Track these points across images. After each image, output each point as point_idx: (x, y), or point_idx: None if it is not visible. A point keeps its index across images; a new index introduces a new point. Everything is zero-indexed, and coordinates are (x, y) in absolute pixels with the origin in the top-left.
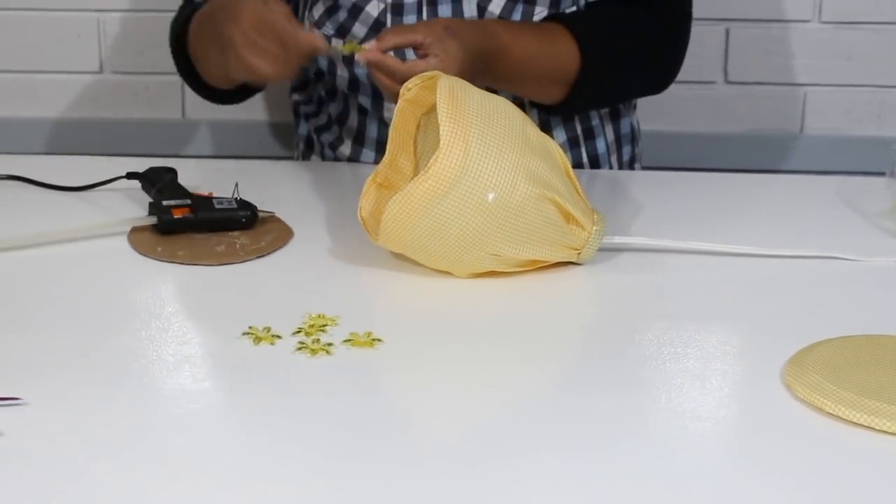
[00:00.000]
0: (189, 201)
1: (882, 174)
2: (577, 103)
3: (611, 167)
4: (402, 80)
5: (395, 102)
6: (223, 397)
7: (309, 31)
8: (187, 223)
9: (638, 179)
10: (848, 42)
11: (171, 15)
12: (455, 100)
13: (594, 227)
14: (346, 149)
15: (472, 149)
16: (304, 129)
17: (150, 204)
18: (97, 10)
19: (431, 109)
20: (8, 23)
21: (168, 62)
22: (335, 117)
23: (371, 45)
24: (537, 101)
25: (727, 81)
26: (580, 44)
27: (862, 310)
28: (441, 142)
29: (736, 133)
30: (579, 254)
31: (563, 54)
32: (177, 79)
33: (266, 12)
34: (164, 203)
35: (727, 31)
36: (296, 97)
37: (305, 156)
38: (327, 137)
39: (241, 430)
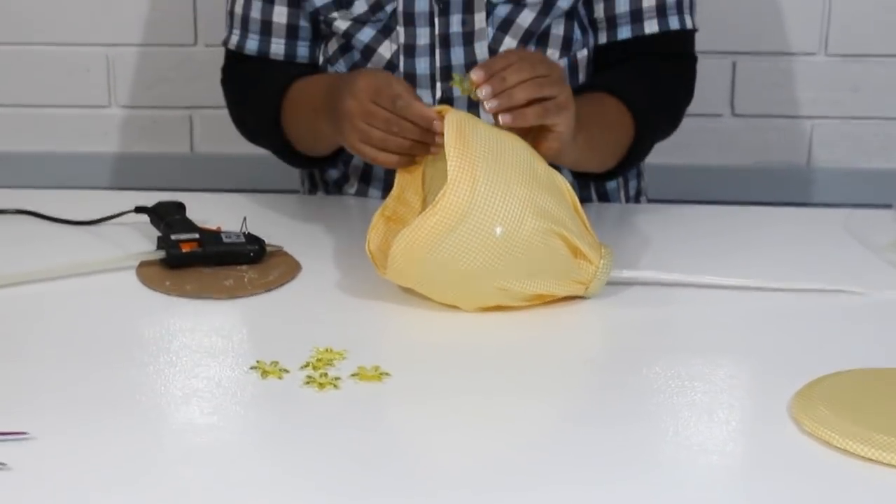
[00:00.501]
0: (197, 235)
1: (889, 206)
2: (622, 171)
3: (619, 202)
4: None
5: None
6: (231, 431)
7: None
8: (196, 257)
9: (645, 212)
10: (854, 75)
11: (180, 49)
12: (462, 134)
13: (602, 262)
14: (351, 188)
15: (479, 183)
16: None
17: (159, 238)
18: (106, 45)
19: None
20: (17, 57)
21: (176, 96)
22: (341, 157)
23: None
24: (588, 170)
25: (734, 114)
26: (636, 119)
27: (870, 343)
28: (448, 177)
29: (743, 165)
30: (587, 288)
31: (621, 127)
32: (185, 112)
33: (384, 84)
34: (173, 237)
35: (734, 64)
36: None
37: (311, 193)
38: (332, 175)
39: (249, 463)
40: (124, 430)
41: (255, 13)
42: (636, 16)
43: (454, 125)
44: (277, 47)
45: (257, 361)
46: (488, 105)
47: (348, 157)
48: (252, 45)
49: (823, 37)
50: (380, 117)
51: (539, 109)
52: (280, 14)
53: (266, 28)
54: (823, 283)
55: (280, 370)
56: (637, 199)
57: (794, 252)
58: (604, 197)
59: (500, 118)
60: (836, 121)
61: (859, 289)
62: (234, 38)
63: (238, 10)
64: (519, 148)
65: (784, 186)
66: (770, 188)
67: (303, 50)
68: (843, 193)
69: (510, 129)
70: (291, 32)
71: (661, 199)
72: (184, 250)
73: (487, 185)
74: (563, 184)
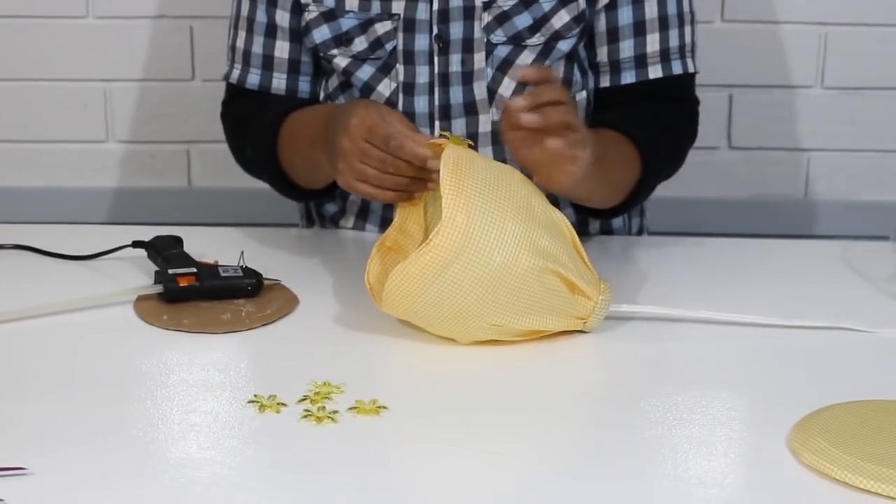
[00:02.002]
0: (195, 270)
1: (885, 238)
2: (626, 209)
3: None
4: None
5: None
6: (229, 465)
7: (424, 143)
8: (193, 291)
9: (645, 245)
10: (851, 107)
11: (178, 84)
12: (458, 170)
13: (600, 297)
14: (347, 223)
15: (474, 221)
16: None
17: (156, 272)
18: (103, 80)
19: None
20: (15, 93)
21: (173, 131)
22: (338, 191)
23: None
24: (594, 206)
25: (731, 147)
26: (643, 157)
27: (868, 376)
28: (443, 214)
29: (740, 198)
30: (585, 322)
31: (628, 164)
32: (183, 147)
33: (378, 121)
34: (170, 271)
35: (730, 97)
36: None
37: (308, 227)
38: (330, 210)
39: (247, 498)
40: (122, 464)
41: (257, 48)
42: (640, 61)
43: (451, 160)
44: (279, 82)
45: (255, 395)
46: (526, 117)
47: (346, 192)
48: (254, 79)
49: (820, 70)
50: (374, 156)
51: (565, 141)
52: (282, 49)
53: (268, 63)
54: (825, 319)
55: (278, 404)
56: (639, 235)
57: (793, 284)
58: (607, 234)
59: (527, 117)
60: (833, 153)
61: (860, 325)
62: (236, 73)
63: (240, 44)
64: (516, 184)
65: (781, 219)
66: (767, 220)
67: (304, 85)
68: (841, 225)
69: (524, 164)
70: (293, 67)
71: (659, 231)
72: (181, 284)
73: (482, 222)
74: (562, 220)
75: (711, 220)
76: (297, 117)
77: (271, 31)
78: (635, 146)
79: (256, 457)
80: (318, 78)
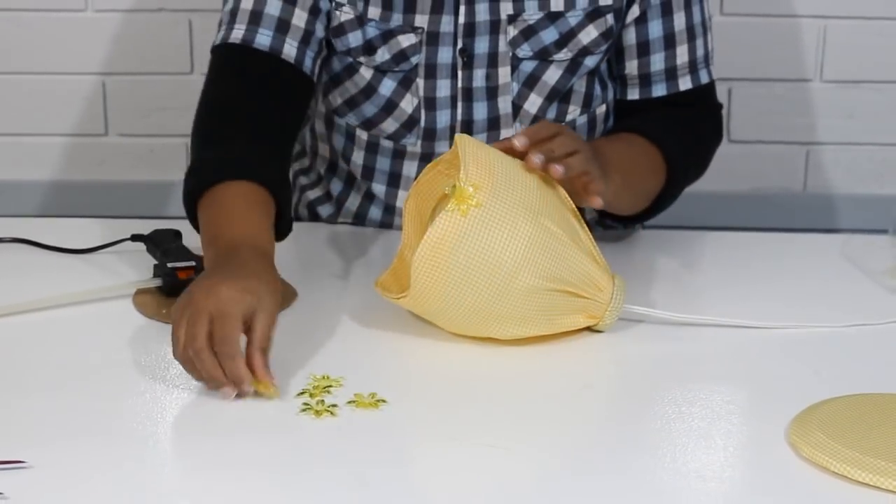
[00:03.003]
0: (194, 263)
1: (884, 231)
2: (652, 215)
3: None
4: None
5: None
6: (227, 458)
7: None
8: None
9: (643, 239)
10: (850, 101)
11: (177, 78)
12: (480, 147)
13: (611, 304)
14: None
15: (498, 182)
16: (297, 198)
17: (155, 266)
18: (102, 74)
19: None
20: (14, 86)
21: (172, 125)
22: (336, 196)
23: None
24: (619, 212)
25: (730, 140)
26: (668, 164)
27: (867, 370)
28: (462, 174)
29: (739, 191)
30: (598, 323)
31: (654, 171)
32: (181, 141)
33: (228, 320)
34: (169, 265)
35: (730, 91)
36: (296, 166)
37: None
38: (324, 212)
39: (246, 491)
40: (121, 458)
41: (272, 10)
42: (671, 73)
43: (470, 140)
44: (290, 48)
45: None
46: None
47: (342, 196)
48: (263, 39)
49: (819, 63)
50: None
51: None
52: (300, 18)
53: (282, 26)
54: (821, 309)
55: None
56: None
57: (792, 278)
58: (603, 226)
59: (552, 169)
60: (832, 147)
61: (860, 320)
62: (239, 33)
63: (246, 6)
64: (531, 179)
65: (780, 212)
66: (766, 214)
67: (308, 62)
68: (840, 219)
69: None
70: (306, 38)
71: (657, 225)
72: (180, 278)
73: (500, 196)
74: (581, 224)
75: (710, 213)
76: (231, 203)
77: None
78: (661, 153)
79: (255, 450)
80: (316, 61)
